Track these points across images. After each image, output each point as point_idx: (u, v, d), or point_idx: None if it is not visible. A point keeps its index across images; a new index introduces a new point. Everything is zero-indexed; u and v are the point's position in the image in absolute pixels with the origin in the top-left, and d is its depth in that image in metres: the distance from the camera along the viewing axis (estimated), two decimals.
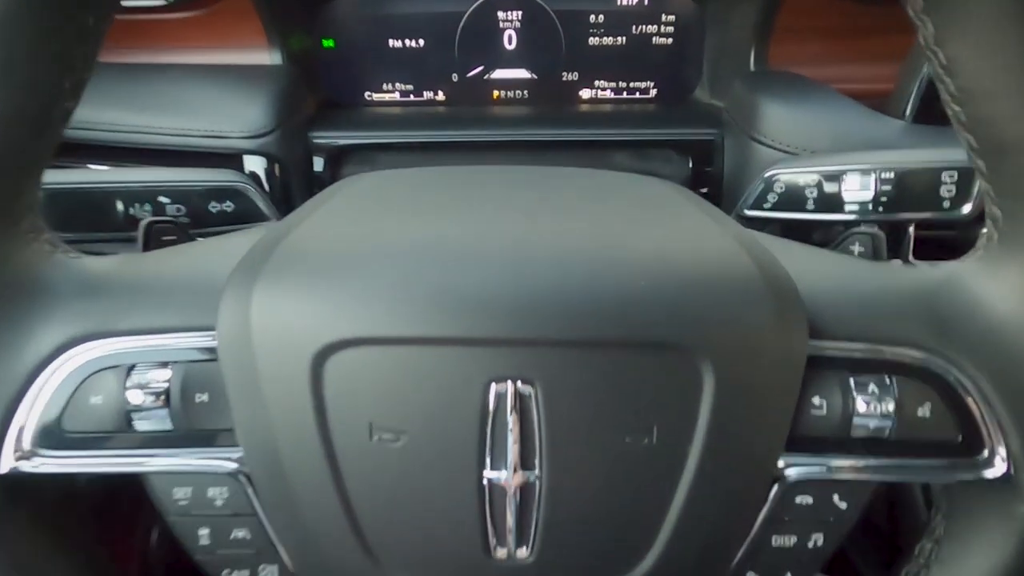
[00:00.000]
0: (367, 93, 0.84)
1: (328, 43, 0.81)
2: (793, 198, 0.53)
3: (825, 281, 0.37)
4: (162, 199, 0.48)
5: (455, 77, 0.83)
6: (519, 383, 0.32)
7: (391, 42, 0.81)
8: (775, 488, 0.35)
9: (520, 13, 0.81)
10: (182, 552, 0.37)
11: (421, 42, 0.81)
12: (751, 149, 0.69)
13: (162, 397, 0.35)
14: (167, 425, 0.35)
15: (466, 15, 0.80)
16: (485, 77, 0.84)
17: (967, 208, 0.51)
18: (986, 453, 0.35)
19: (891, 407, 0.35)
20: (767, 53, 0.75)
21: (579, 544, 0.34)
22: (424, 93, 0.84)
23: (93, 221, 0.48)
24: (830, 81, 0.71)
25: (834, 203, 0.52)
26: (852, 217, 0.52)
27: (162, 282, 0.37)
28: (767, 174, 0.53)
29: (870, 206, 0.51)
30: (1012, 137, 0.29)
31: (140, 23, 0.73)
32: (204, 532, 0.36)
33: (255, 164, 0.69)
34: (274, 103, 0.69)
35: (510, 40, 0.82)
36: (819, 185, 0.52)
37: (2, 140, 0.30)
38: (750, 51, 0.75)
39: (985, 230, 0.34)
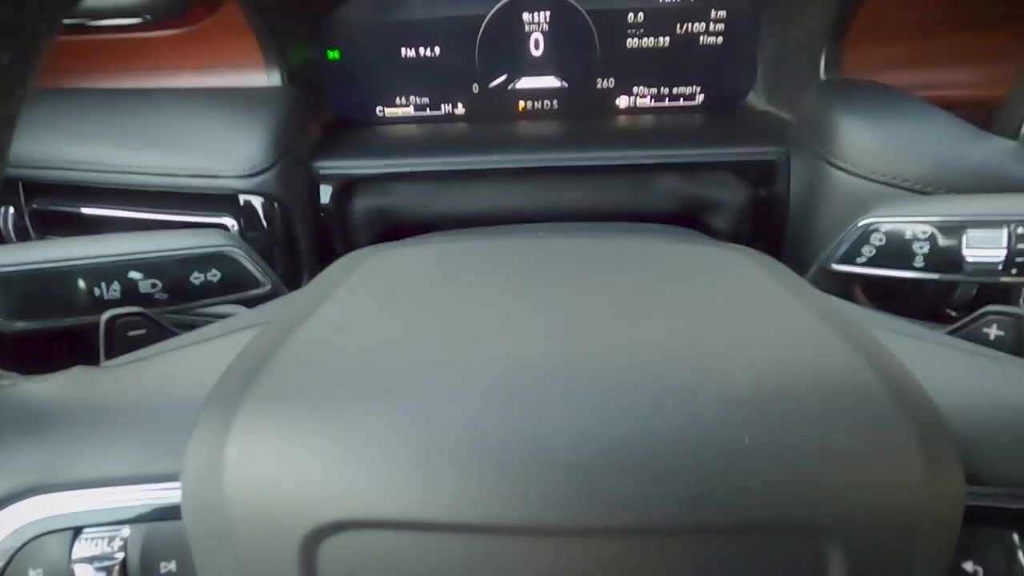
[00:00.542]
0: (379, 109, 0.76)
1: (334, 55, 0.73)
2: (897, 253, 0.43)
3: (975, 400, 0.29)
4: (133, 275, 0.41)
5: (476, 88, 0.75)
6: None
7: (404, 51, 0.73)
8: None
9: (548, 14, 0.72)
10: None
11: (437, 50, 0.74)
12: (825, 173, 0.59)
13: (117, 568, 0.28)
14: None
15: (487, 18, 0.72)
16: (509, 87, 0.76)
17: None
18: None
19: None
20: (841, 56, 0.64)
21: None
22: (442, 106, 0.76)
23: (52, 307, 0.40)
24: (917, 89, 0.60)
25: (951, 261, 0.42)
26: (974, 279, 0.42)
27: (118, 414, 0.30)
28: (863, 221, 0.43)
29: (1000, 266, 0.41)
30: None
31: (121, 43, 0.65)
32: None
33: (253, 202, 0.61)
34: (272, 134, 0.61)
35: (537, 45, 0.74)
36: (932, 239, 0.42)
37: None
38: (820, 53, 0.64)
39: None
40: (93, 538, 0.28)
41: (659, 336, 0.28)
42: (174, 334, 0.37)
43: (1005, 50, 0.55)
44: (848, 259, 0.45)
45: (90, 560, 0.28)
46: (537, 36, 0.73)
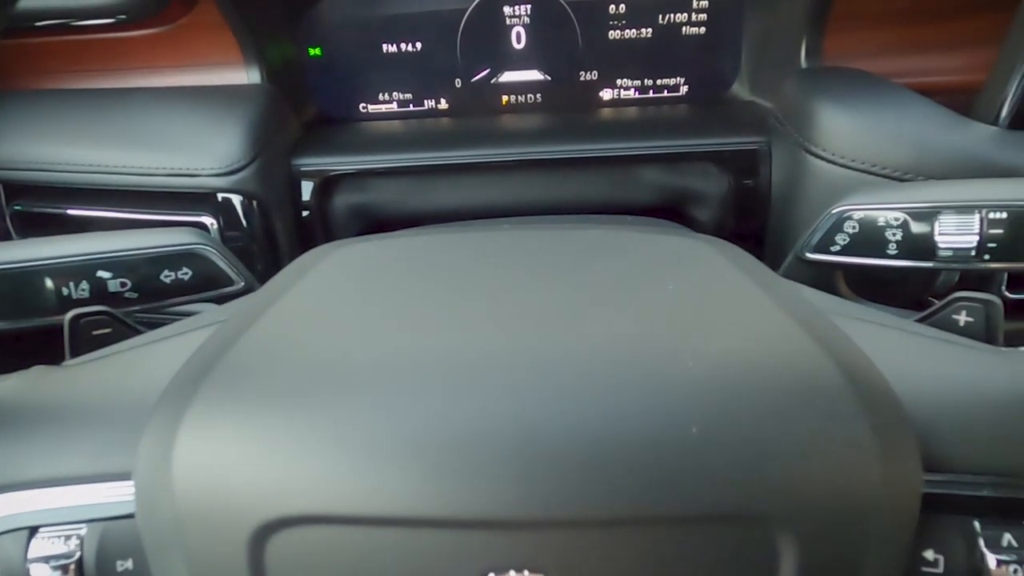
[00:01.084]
0: (361, 105, 0.76)
1: (315, 52, 0.73)
2: (870, 240, 0.43)
3: (937, 387, 0.29)
4: (102, 274, 0.40)
5: (458, 83, 0.75)
6: (526, 574, 0.24)
7: (386, 47, 0.73)
8: None
9: (529, 7, 0.72)
10: None
11: (419, 45, 0.73)
12: (805, 162, 0.58)
13: (73, 567, 0.28)
14: None
15: (468, 12, 0.72)
16: (492, 81, 0.75)
17: None
18: None
19: None
20: (822, 43, 0.63)
21: None
22: (425, 102, 0.76)
23: (19, 307, 0.40)
24: (898, 76, 0.59)
25: (924, 248, 0.41)
26: (946, 266, 0.41)
27: (74, 412, 0.30)
28: (836, 209, 0.43)
29: (972, 252, 0.40)
30: None
31: (99, 43, 0.65)
32: None
33: (232, 200, 0.61)
34: (249, 132, 0.61)
35: (519, 38, 0.74)
36: (905, 225, 0.41)
37: None
38: (801, 41, 0.64)
39: None
40: (49, 537, 0.28)
41: (611, 327, 0.27)
42: (140, 333, 0.37)
43: (984, 36, 0.54)
44: (822, 248, 0.44)
45: (46, 559, 0.28)
46: (519, 29, 0.73)
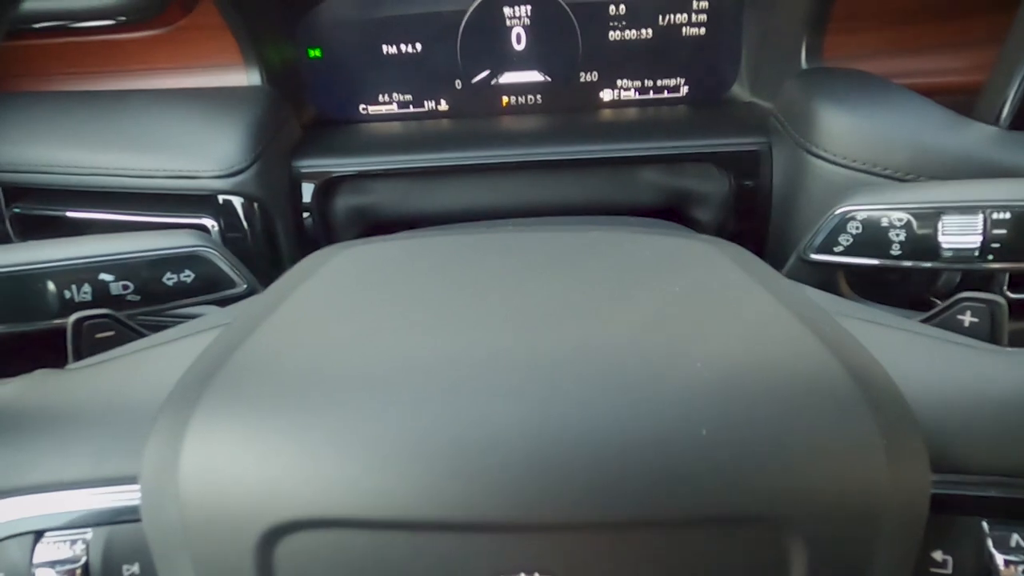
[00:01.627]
0: (361, 106, 0.75)
1: (315, 53, 0.73)
2: (873, 241, 0.43)
3: (944, 387, 0.29)
4: (104, 277, 0.40)
5: (459, 84, 0.75)
6: None
7: (386, 48, 0.73)
8: None
9: (529, 8, 0.72)
10: None
11: (419, 46, 0.73)
12: (806, 163, 0.58)
13: (79, 572, 0.27)
14: None
15: (468, 13, 0.72)
16: (492, 82, 0.75)
17: None
18: None
19: None
20: (822, 44, 0.64)
21: None
22: (425, 103, 0.76)
23: (22, 310, 0.40)
24: (898, 76, 0.59)
25: (927, 249, 0.41)
26: (949, 266, 0.41)
27: (79, 416, 0.30)
28: (840, 210, 0.43)
29: (976, 252, 0.40)
30: None
31: (98, 45, 0.65)
32: None
33: (232, 202, 0.61)
34: (249, 133, 0.60)
35: (519, 39, 0.74)
36: (908, 226, 0.41)
37: None
38: (801, 42, 0.64)
39: None
40: (55, 541, 0.28)
41: (618, 329, 0.27)
42: (143, 336, 0.37)
43: (984, 37, 0.54)
44: (825, 248, 0.44)
45: (52, 564, 0.27)
46: (519, 30, 0.73)
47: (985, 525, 0.27)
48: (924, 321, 0.36)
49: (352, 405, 0.25)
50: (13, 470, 0.28)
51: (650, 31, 0.72)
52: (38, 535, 0.28)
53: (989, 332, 0.34)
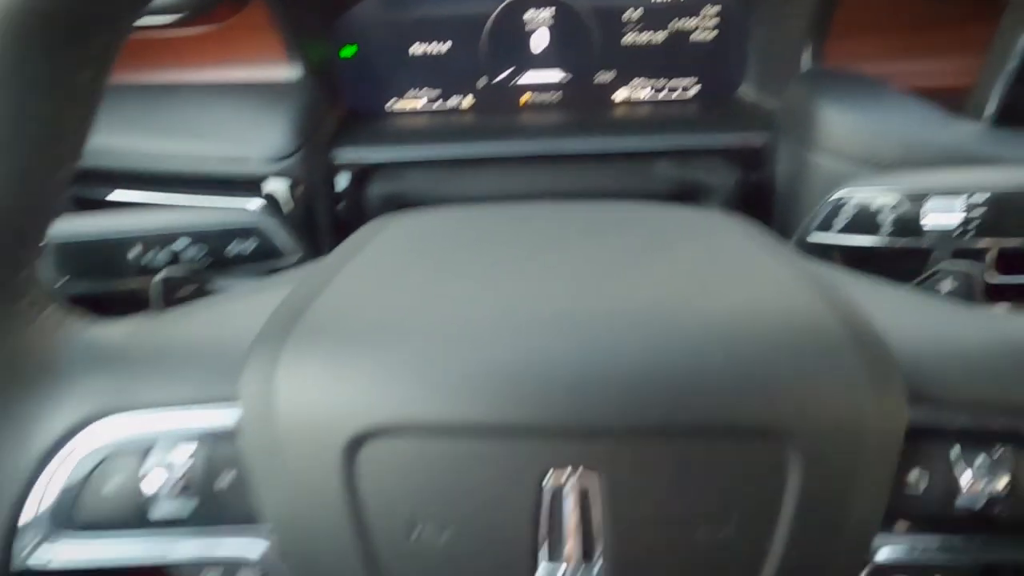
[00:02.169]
0: (390, 102, 0.80)
1: (349, 52, 0.77)
2: (865, 221, 0.48)
3: (922, 335, 0.33)
4: (179, 244, 0.45)
5: (482, 81, 0.79)
6: (581, 470, 0.29)
7: (415, 47, 0.78)
8: (867, 573, 0.31)
9: (550, 12, 0.76)
10: None
11: (446, 46, 0.78)
12: (807, 157, 0.63)
13: (183, 479, 0.32)
14: (189, 509, 0.32)
15: (493, 16, 0.76)
16: (514, 81, 0.80)
17: None
18: None
19: (1003, 483, 0.31)
20: (824, 49, 0.69)
21: None
22: (450, 99, 0.80)
23: (105, 272, 0.45)
24: (895, 79, 0.64)
25: (912, 228, 0.46)
26: (932, 244, 0.46)
27: (180, 349, 0.34)
28: (836, 195, 0.48)
29: (955, 233, 0.45)
30: None
31: (152, 41, 0.70)
32: None
33: (276, 186, 0.66)
34: (295, 123, 0.66)
35: (539, 41, 0.78)
36: (897, 207, 0.46)
37: None
38: (804, 47, 0.69)
39: None
40: (161, 453, 0.32)
41: (645, 279, 0.32)
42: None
43: (972, 43, 0.59)
44: (823, 229, 0.49)
45: (159, 468, 0.32)
46: (540, 32, 0.77)
47: (955, 450, 0.31)
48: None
49: (423, 333, 0.30)
50: (127, 393, 0.32)
51: (662, 35, 0.77)
52: (149, 447, 0.32)
53: (965, 298, 0.39)
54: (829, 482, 0.29)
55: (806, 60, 0.69)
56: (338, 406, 0.29)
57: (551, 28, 0.77)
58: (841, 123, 0.60)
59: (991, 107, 0.56)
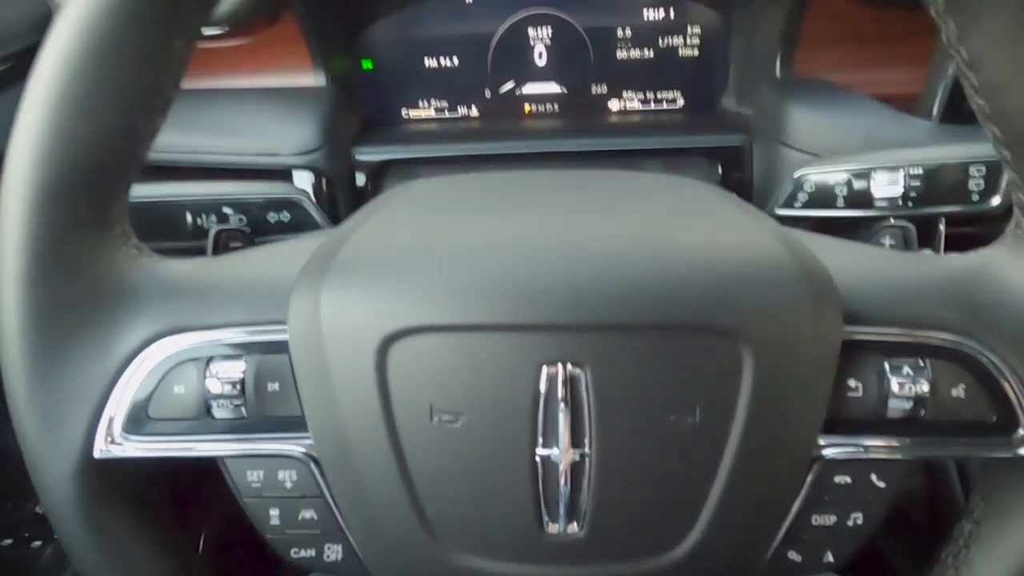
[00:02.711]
0: (404, 111, 0.88)
1: (367, 64, 0.85)
2: (823, 196, 0.55)
3: (859, 270, 0.39)
4: (226, 210, 0.52)
5: (488, 93, 0.86)
6: (569, 365, 0.34)
7: (427, 61, 0.85)
8: (814, 468, 0.37)
9: (550, 30, 0.84)
10: (255, 532, 0.40)
11: (455, 60, 0.85)
12: (780, 153, 0.71)
13: (237, 387, 0.37)
14: (242, 412, 0.38)
15: (498, 33, 0.84)
16: (517, 92, 0.87)
17: (996, 200, 0.52)
18: (1021, 432, 0.36)
19: (925, 388, 0.36)
20: (793, 60, 0.77)
21: (626, 520, 0.36)
22: (458, 109, 0.87)
23: (165, 231, 0.52)
24: (857, 87, 0.72)
25: (864, 200, 0.53)
26: (882, 213, 0.53)
27: (235, 282, 0.40)
28: (797, 174, 0.55)
29: (900, 201, 0.52)
30: None
31: (197, 52, 0.78)
32: (275, 513, 0.39)
33: (304, 180, 0.73)
34: (321, 123, 0.73)
35: (540, 56, 0.85)
36: (848, 183, 0.53)
37: (101, 153, 0.34)
38: (776, 59, 0.77)
39: (1014, 219, 0.35)
40: (220, 363, 0.38)
41: (627, 215, 0.39)
42: None
43: (921, 55, 0.68)
44: (788, 205, 0.56)
45: (218, 380, 0.37)
46: (540, 49, 0.84)
47: (886, 364, 0.37)
48: None
49: (439, 254, 0.36)
50: (194, 314, 0.38)
51: (651, 51, 0.84)
52: (209, 359, 0.37)
53: (903, 250, 0.46)
54: (777, 380, 0.35)
55: (778, 70, 0.77)
56: (371, 314, 0.35)
57: (551, 44, 0.84)
58: (808, 122, 0.68)
59: (937, 108, 0.64)
